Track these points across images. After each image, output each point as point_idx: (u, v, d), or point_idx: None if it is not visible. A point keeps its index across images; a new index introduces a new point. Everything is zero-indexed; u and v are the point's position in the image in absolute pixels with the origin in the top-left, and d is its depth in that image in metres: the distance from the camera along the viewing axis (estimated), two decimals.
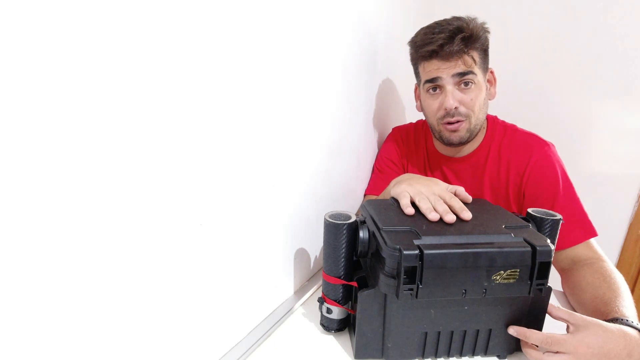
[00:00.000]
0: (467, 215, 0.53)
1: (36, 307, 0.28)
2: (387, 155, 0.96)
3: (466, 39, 0.72)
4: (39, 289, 0.28)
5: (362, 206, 0.62)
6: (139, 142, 0.35)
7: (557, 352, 0.48)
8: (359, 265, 0.60)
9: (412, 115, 1.10)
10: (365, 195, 0.96)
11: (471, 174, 0.85)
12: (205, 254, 0.45)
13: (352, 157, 0.84)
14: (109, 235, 0.33)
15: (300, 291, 0.70)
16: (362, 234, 0.54)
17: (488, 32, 0.76)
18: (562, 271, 0.73)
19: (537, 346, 0.51)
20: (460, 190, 0.60)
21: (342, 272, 0.55)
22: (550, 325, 0.53)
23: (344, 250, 0.54)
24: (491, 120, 0.85)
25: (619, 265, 1.31)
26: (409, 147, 0.95)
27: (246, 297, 0.55)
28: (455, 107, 0.76)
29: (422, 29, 0.78)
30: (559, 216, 0.57)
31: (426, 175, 0.91)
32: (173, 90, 0.38)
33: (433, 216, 0.53)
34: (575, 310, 0.58)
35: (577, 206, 0.74)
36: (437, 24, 0.75)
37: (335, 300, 0.56)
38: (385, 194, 0.73)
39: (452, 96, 0.75)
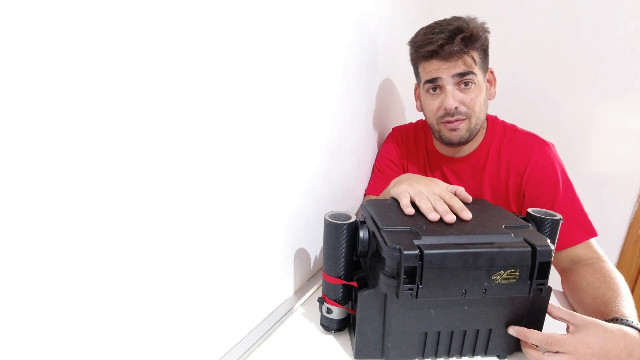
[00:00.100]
0: (467, 215, 0.53)
1: (36, 307, 0.28)
2: (387, 155, 0.96)
3: (466, 39, 0.72)
4: (39, 289, 0.28)
5: (362, 206, 0.62)
6: (139, 142, 0.35)
7: (557, 352, 0.48)
8: (359, 265, 0.60)
9: (412, 115, 1.10)
10: (365, 195, 0.96)
11: (471, 174, 0.85)
12: (205, 254, 0.45)
13: (352, 157, 0.84)
14: (109, 235, 0.33)
15: (300, 291, 0.70)
16: (362, 234, 0.54)
17: (488, 32, 0.76)
18: (562, 271, 0.73)
19: (537, 346, 0.51)
20: (461, 190, 0.60)
21: (342, 272, 0.55)
22: (550, 325, 0.53)
23: (344, 250, 0.54)
24: (491, 120, 0.85)
25: (619, 265, 1.31)
26: (409, 147, 0.95)
27: (246, 297, 0.55)
28: (456, 107, 0.76)
29: (422, 29, 0.78)
30: (559, 216, 0.57)
31: (426, 175, 0.91)
32: (173, 90, 0.38)
33: (433, 216, 0.53)
34: (575, 310, 0.58)
35: (577, 206, 0.74)
36: (437, 24, 0.75)
37: (335, 300, 0.56)
38: (385, 194, 0.73)
39: (452, 96, 0.75)
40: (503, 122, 0.86)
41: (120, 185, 0.33)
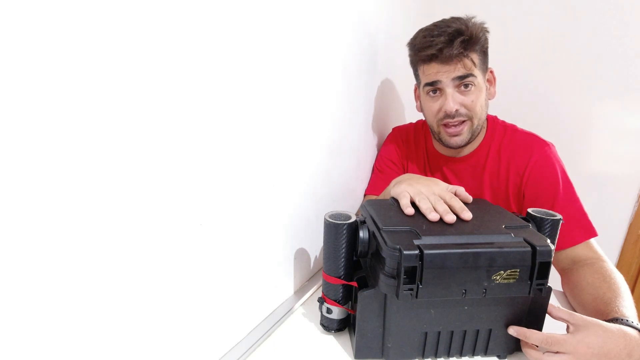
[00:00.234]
0: (467, 215, 0.53)
1: (37, 307, 0.28)
2: (387, 155, 0.96)
3: (465, 41, 0.71)
4: (39, 289, 0.28)
5: (362, 206, 0.62)
6: (139, 142, 0.35)
7: (557, 352, 0.48)
8: (359, 265, 0.60)
9: (412, 115, 1.10)
10: (365, 195, 0.96)
11: (471, 174, 0.85)
12: (205, 254, 0.45)
13: (352, 157, 0.84)
14: (109, 235, 0.33)
15: (300, 291, 0.70)
16: (362, 234, 0.54)
17: (487, 31, 0.76)
18: (562, 271, 0.73)
19: (537, 346, 0.51)
20: (461, 190, 0.60)
21: (342, 272, 0.55)
22: (550, 325, 0.53)
23: (344, 250, 0.54)
24: (491, 120, 0.85)
25: (619, 265, 1.31)
26: (409, 147, 0.95)
27: (246, 297, 0.55)
28: (456, 110, 0.76)
29: (421, 31, 0.78)
30: (559, 216, 0.57)
31: (426, 175, 0.91)
32: (173, 90, 0.38)
33: (433, 216, 0.53)
34: (575, 311, 0.58)
35: (577, 206, 0.74)
36: (436, 26, 0.75)
37: (335, 300, 0.56)
38: (385, 194, 0.73)
39: (453, 99, 0.75)
40: (503, 122, 0.86)
41: (121, 186, 0.33)
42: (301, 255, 0.69)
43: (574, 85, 1.25)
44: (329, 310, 0.57)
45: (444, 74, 0.74)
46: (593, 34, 1.19)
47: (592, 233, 0.71)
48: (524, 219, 0.56)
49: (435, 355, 0.53)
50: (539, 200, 0.76)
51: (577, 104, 1.26)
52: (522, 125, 0.85)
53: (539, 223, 0.56)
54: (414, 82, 0.87)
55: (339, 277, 0.55)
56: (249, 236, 0.53)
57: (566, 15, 1.22)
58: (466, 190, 0.60)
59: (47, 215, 0.28)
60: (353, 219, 0.54)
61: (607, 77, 1.20)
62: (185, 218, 0.41)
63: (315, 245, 0.74)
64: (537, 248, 0.45)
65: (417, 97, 0.88)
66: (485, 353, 0.53)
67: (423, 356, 0.52)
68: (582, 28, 1.20)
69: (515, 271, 0.46)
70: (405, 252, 0.44)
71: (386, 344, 0.52)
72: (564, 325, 0.51)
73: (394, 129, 1.01)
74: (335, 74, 0.71)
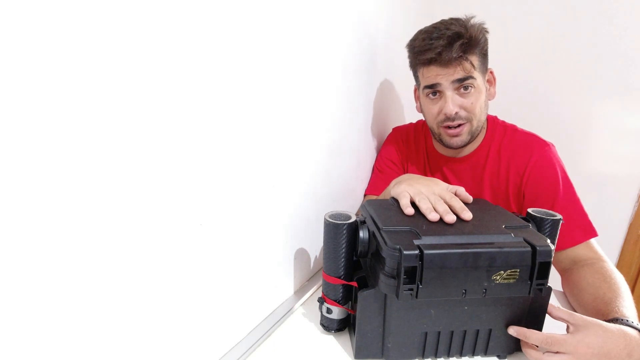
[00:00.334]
0: (467, 215, 0.53)
1: (37, 307, 0.29)
2: (387, 156, 0.96)
3: (465, 44, 0.71)
4: (39, 289, 0.28)
5: (362, 206, 0.62)
6: (140, 142, 0.35)
7: (557, 352, 0.48)
8: (359, 265, 0.60)
9: (412, 115, 1.09)
10: (365, 195, 0.96)
11: (471, 174, 0.85)
12: (205, 254, 0.45)
13: (352, 157, 0.84)
14: (109, 235, 0.33)
15: (300, 291, 0.70)
16: (362, 234, 0.54)
17: (487, 32, 0.76)
18: (562, 271, 0.73)
19: (537, 346, 0.51)
20: (461, 190, 0.60)
21: (342, 272, 0.55)
22: (550, 325, 0.53)
23: (344, 250, 0.54)
24: (491, 121, 0.85)
25: (619, 265, 1.31)
26: (409, 148, 0.95)
27: (246, 297, 0.55)
28: (456, 112, 0.76)
29: (420, 33, 0.77)
30: (559, 216, 0.57)
31: (426, 175, 0.91)
32: (173, 90, 0.38)
33: (433, 216, 0.53)
34: (575, 311, 0.58)
35: (577, 206, 0.74)
36: (435, 29, 0.74)
37: (335, 300, 0.56)
38: (385, 194, 0.73)
39: (452, 102, 0.75)
40: (503, 122, 0.86)
41: (121, 186, 0.34)
42: (301, 255, 0.69)
43: (574, 85, 1.25)
44: (329, 310, 0.57)
45: (443, 77, 0.74)
46: (593, 34, 1.19)
47: (592, 233, 0.71)
48: (524, 219, 0.56)
49: (435, 355, 0.53)
50: (539, 200, 0.76)
51: (577, 104, 1.26)
52: (522, 125, 0.85)
53: (539, 223, 0.56)
54: (414, 82, 0.87)
55: (339, 277, 0.55)
56: (249, 236, 0.53)
57: (566, 15, 1.22)
58: (466, 190, 0.60)
59: (47, 216, 0.28)
60: (353, 219, 0.54)
61: (607, 77, 1.20)
62: (185, 218, 0.41)
63: (315, 245, 0.74)
64: (537, 248, 0.45)
65: (417, 98, 0.87)
66: (485, 353, 0.53)
67: (423, 356, 0.52)
68: (582, 28, 1.20)
69: (515, 271, 0.46)
70: (405, 252, 0.44)
71: (386, 344, 0.52)
72: (564, 325, 0.51)
73: (394, 129, 1.01)
74: (335, 74, 0.71)
